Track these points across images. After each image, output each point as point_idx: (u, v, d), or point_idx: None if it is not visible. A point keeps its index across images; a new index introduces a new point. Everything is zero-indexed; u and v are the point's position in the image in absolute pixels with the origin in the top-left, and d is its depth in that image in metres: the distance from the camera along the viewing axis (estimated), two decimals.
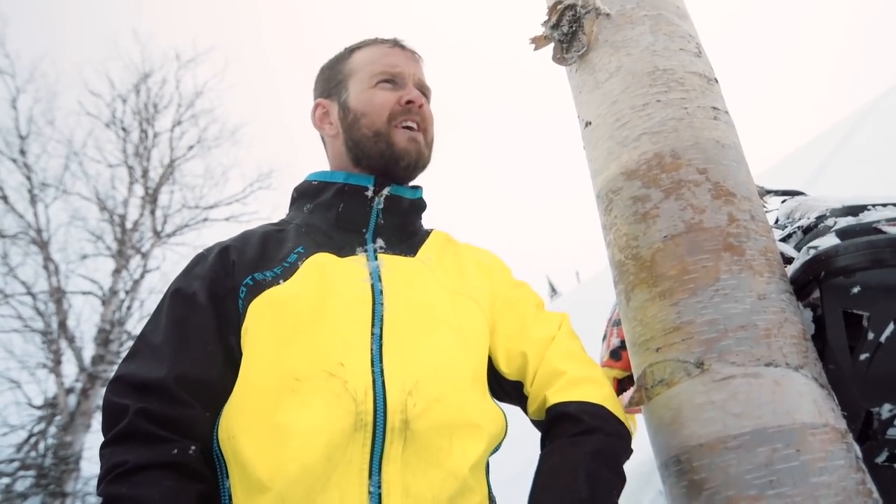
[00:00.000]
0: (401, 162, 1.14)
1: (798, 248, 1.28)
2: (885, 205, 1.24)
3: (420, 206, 1.21)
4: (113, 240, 11.82)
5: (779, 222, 1.51)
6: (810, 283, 1.16)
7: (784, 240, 1.36)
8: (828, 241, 1.16)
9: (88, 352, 10.38)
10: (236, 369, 1.00)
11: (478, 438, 1.00)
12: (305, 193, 1.19)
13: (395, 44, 1.24)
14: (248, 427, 0.94)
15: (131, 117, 12.64)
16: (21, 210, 11.36)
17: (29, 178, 11.58)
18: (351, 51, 1.25)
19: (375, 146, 1.14)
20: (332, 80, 1.24)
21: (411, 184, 1.20)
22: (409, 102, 1.16)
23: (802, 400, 1.01)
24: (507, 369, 1.14)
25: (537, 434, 1.14)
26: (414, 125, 1.16)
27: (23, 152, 11.65)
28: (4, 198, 11.23)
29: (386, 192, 1.15)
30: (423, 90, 1.22)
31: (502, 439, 1.09)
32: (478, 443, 1.00)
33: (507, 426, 1.10)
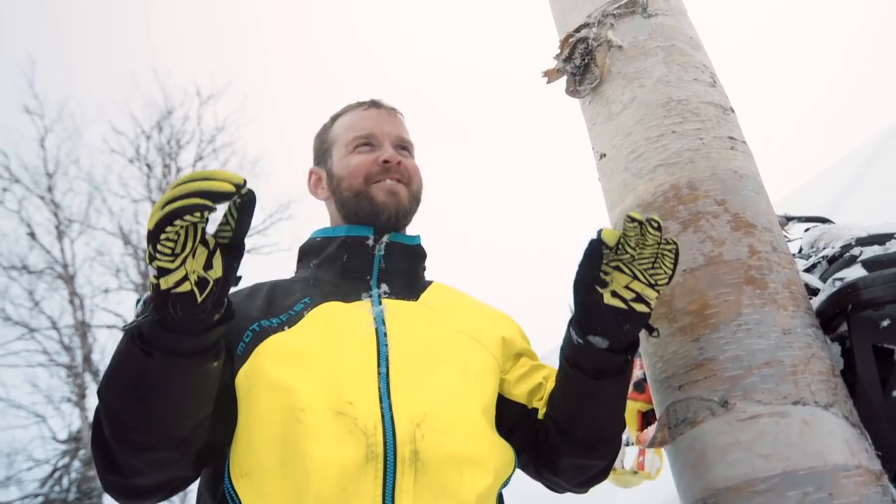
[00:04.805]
0: (381, 215, 1.20)
1: (823, 278, 1.24)
2: None
3: (419, 252, 1.27)
4: (137, 273, 11.99)
5: (802, 251, 1.47)
6: (837, 315, 1.12)
7: (809, 270, 1.32)
8: (854, 272, 1.13)
9: None
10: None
11: (485, 471, 1.02)
12: (311, 250, 1.25)
13: (372, 104, 1.32)
14: (261, 463, 0.95)
15: (155, 153, 12.92)
16: (48, 245, 11.60)
17: (56, 215, 11.84)
18: (334, 119, 1.35)
19: (358, 204, 1.21)
20: (320, 149, 1.34)
21: (408, 232, 1.27)
22: (385, 162, 1.23)
23: (833, 440, 0.97)
24: (517, 391, 1.16)
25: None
26: (394, 182, 1.22)
27: (50, 189, 11.94)
28: (32, 234, 11.48)
29: (385, 239, 1.20)
30: (403, 145, 1.29)
31: (511, 472, 1.11)
32: (485, 475, 1.02)
33: (515, 461, 1.12)
